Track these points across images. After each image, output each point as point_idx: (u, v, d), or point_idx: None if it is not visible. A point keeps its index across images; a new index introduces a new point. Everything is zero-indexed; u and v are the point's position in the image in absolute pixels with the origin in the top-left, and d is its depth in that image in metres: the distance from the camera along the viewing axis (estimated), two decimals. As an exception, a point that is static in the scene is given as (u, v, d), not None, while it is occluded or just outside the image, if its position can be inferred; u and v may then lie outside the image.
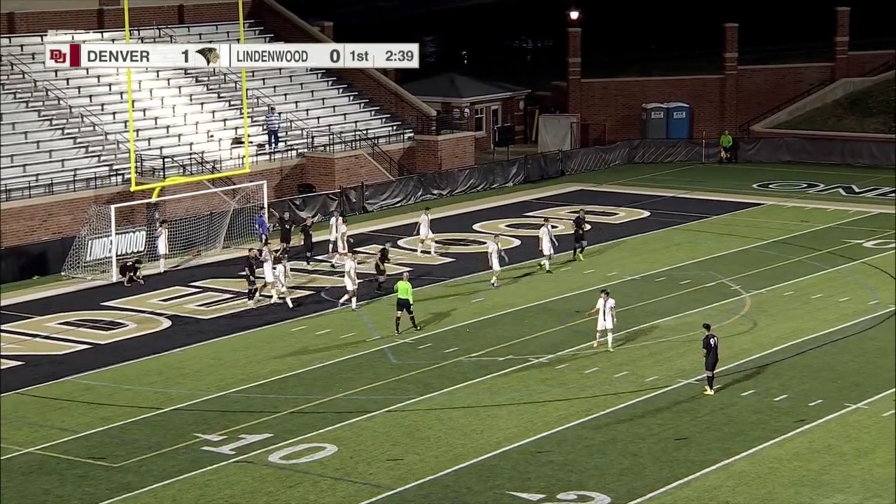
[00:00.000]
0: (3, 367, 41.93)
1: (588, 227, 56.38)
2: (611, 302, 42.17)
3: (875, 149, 78.25)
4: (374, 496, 31.32)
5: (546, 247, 52.95)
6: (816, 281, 51.21)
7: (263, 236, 55.54)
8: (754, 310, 47.29)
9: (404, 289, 44.72)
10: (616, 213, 65.09)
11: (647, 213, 65.15)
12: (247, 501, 31.17)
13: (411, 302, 44.71)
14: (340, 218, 57.02)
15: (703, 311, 46.52)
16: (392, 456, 33.76)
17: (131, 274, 52.36)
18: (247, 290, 49.25)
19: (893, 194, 68.52)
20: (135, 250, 56.29)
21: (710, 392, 37.76)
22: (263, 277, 48.90)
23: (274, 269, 48.62)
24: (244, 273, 49.61)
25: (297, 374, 40.73)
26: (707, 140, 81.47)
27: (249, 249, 50.72)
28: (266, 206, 58.87)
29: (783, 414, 36.38)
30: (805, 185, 72.44)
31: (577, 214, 56.50)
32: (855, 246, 56.95)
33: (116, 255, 54.49)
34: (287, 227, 56.51)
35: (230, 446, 34.46)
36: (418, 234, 56.45)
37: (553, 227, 55.26)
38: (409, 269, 49.74)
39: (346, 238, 55.38)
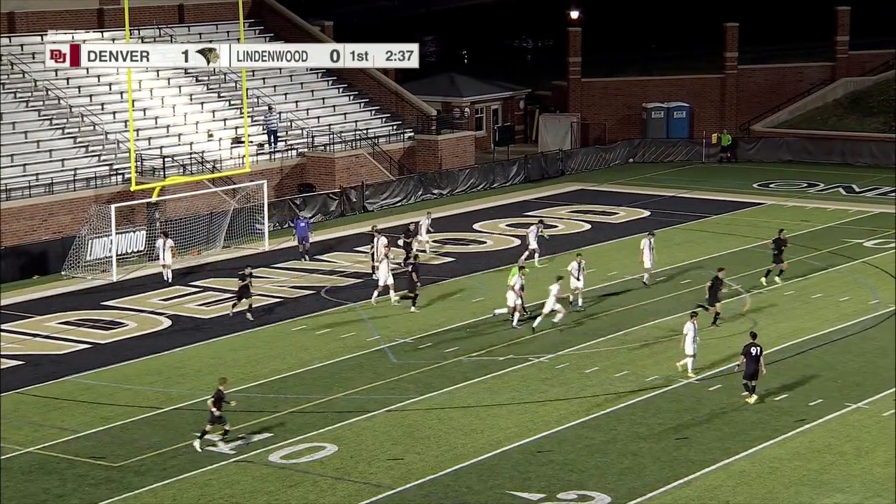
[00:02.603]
0: (3, 366, 41.92)
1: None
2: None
3: (875, 148, 78.27)
4: (374, 496, 31.32)
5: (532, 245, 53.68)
6: (817, 281, 51.20)
7: (304, 241, 55.85)
8: (755, 309, 47.27)
9: (514, 273, 45.76)
10: (616, 213, 65.09)
11: (647, 213, 65.14)
12: (247, 501, 31.16)
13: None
14: (428, 220, 57.12)
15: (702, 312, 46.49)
16: (392, 455, 33.75)
17: (243, 294, 47.50)
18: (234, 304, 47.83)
19: (894, 194, 68.52)
20: (135, 250, 56.32)
21: (751, 400, 37.00)
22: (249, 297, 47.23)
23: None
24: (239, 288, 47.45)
25: (297, 374, 40.73)
26: (707, 140, 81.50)
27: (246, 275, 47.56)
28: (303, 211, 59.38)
29: (783, 414, 36.38)
30: (805, 185, 72.45)
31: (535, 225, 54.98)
32: (855, 245, 56.95)
33: (116, 255, 54.50)
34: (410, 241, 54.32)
35: (230, 446, 34.45)
36: (419, 235, 56.39)
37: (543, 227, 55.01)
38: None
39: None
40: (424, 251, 55.69)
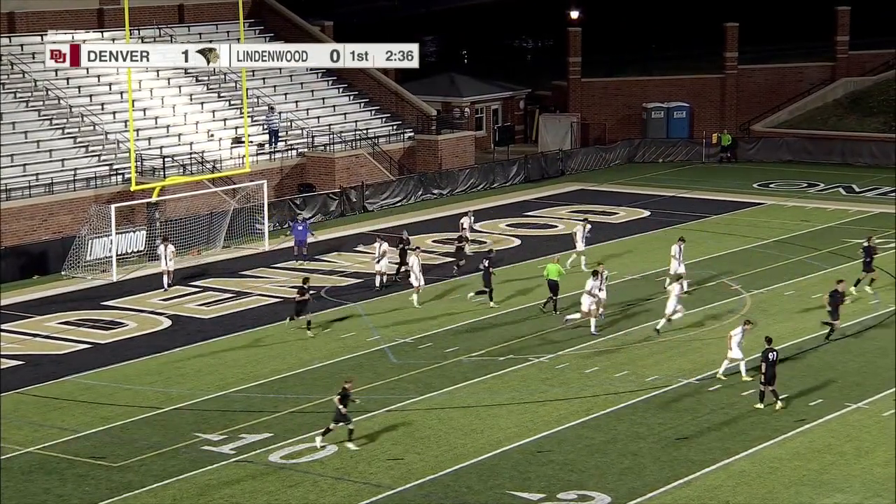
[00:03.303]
0: (3, 366, 41.92)
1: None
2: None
3: (875, 148, 78.29)
4: (374, 496, 31.32)
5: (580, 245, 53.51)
6: (817, 281, 51.18)
7: (301, 245, 55.08)
8: (755, 309, 47.28)
9: (555, 270, 46.11)
10: (616, 213, 65.10)
11: (647, 213, 65.15)
12: (247, 501, 31.16)
13: (558, 284, 46.32)
14: (471, 218, 56.74)
15: (703, 311, 46.51)
16: (392, 455, 33.75)
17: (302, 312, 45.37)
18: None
19: (894, 194, 68.52)
20: (135, 250, 56.32)
21: (759, 406, 36.63)
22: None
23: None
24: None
25: (297, 374, 40.73)
26: (708, 140, 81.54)
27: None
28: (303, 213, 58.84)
29: (783, 414, 36.36)
30: (805, 185, 72.46)
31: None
32: (855, 245, 56.89)
33: (116, 255, 54.50)
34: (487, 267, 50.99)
35: (230, 446, 34.46)
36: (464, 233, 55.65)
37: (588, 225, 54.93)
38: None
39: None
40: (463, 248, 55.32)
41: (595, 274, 44.81)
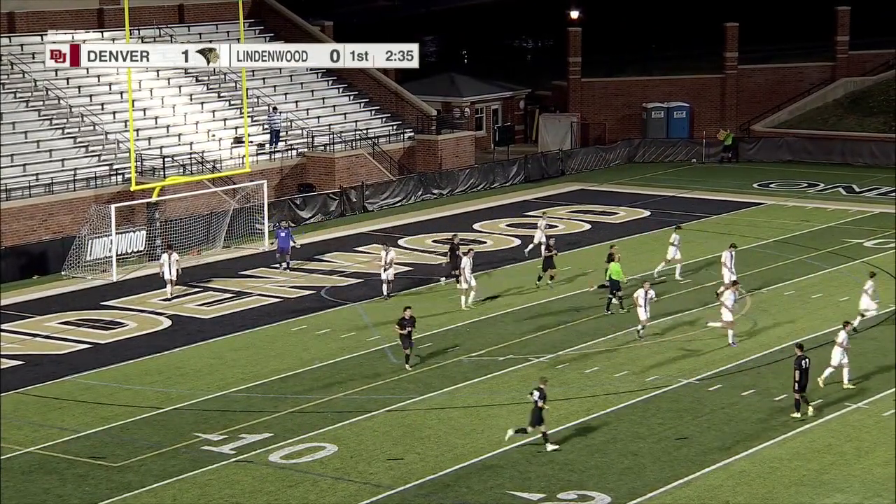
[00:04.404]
0: (3, 366, 41.92)
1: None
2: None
3: (875, 148, 78.28)
4: (374, 496, 31.32)
5: None
6: (817, 281, 51.20)
7: (284, 252, 53.91)
8: (755, 309, 47.29)
9: (616, 270, 46.09)
10: (616, 213, 65.09)
11: (647, 213, 65.15)
12: (247, 501, 31.17)
13: (622, 283, 46.22)
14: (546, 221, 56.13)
15: (703, 311, 46.49)
16: (392, 455, 33.75)
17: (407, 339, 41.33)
18: None
19: (894, 194, 68.52)
20: (135, 250, 56.32)
21: (796, 415, 35.96)
22: None
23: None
24: None
25: (297, 374, 40.73)
26: (707, 140, 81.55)
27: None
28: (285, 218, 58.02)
29: (783, 413, 36.35)
30: (805, 185, 72.46)
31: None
32: (855, 245, 56.95)
33: (116, 255, 54.50)
34: (553, 252, 50.95)
35: (230, 446, 34.46)
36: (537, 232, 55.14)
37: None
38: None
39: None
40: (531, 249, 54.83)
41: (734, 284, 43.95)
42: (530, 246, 55.00)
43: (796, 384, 35.91)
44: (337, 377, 40.22)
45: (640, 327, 43.40)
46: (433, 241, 59.13)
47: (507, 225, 62.62)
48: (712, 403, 37.36)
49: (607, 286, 47.00)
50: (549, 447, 33.63)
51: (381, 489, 31.66)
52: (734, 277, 47.46)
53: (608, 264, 47.32)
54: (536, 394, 33.75)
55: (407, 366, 40.71)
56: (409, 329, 40.62)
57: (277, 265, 54.32)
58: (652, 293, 43.74)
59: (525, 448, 34.10)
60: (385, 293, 49.25)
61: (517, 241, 58.51)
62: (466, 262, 47.76)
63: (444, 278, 50.77)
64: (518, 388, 38.94)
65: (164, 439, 35.07)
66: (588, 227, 62.20)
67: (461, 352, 42.55)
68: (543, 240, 53.67)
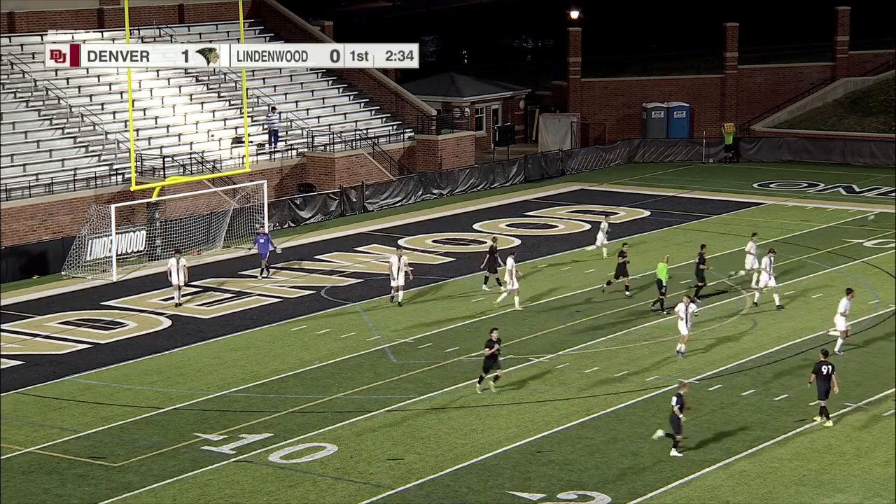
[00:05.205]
0: (3, 366, 41.92)
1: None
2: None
3: (875, 148, 78.28)
4: (374, 496, 31.32)
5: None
6: (817, 280, 51.19)
7: (263, 258, 52.84)
8: (755, 309, 47.26)
9: (663, 270, 46.00)
10: (616, 213, 65.07)
11: (647, 213, 65.15)
12: (247, 501, 31.16)
13: (664, 283, 46.07)
14: (608, 222, 56.15)
15: (703, 311, 46.47)
16: (392, 455, 33.75)
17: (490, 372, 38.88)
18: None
19: (894, 194, 68.52)
20: (135, 250, 56.32)
21: (818, 420, 35.47)
22: None
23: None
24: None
25: (297, 374, 40.73)
26: (707, 140, 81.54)
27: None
28: (267, 224, 57.54)
29: (783, 414, 36.36)
30: (805, 185, 72.46)
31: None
32: (855, 245, 56.96)
33: (116, 255, 54.50)
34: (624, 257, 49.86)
35: (230, 446, 34.46)
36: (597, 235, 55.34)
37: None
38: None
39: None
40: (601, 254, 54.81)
41: (848, 292, 42.66)
42: (591, 247, 55.25)
43: (818, 389, 35.49)
44: (337, 377, 40.23)
45: (681, 346, 41.47)
46: (433, 241, 59.14)
47: (507, 225, 62.61)
48: (712, 403, 37.36)
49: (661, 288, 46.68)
50: (674, 452, 33.40)
51: (381, 489, 31.66)
52: (773, 282, 47.09)
53: (657, 264, 47.22)
54: (674, 399, 33.51)
55: (478, 387, 38.40)
56: (496, 350, 38.11)
57: (258, 273, 52.92)
58: (693, 307, 41.87)
59: (525, 448, 34.12)
60: (396, 301, 48.41)
61: (517, 241, 58.46)
62: (511, 264, 47.41)
63: (484, 285, 50.33)
64: (518, 388, 38.94)
65: (164, 439, 35.07)
66: (588, 227, 62.16)
67: (461, 352, 42.55)
68: (605, 242, 54.48)
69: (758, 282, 47.82)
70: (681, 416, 33.33)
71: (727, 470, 32.58)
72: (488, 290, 49.62)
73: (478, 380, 38.54)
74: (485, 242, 58.24)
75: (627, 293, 48.83)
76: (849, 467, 32.70)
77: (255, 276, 52.76)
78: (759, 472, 32.36)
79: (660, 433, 33.62)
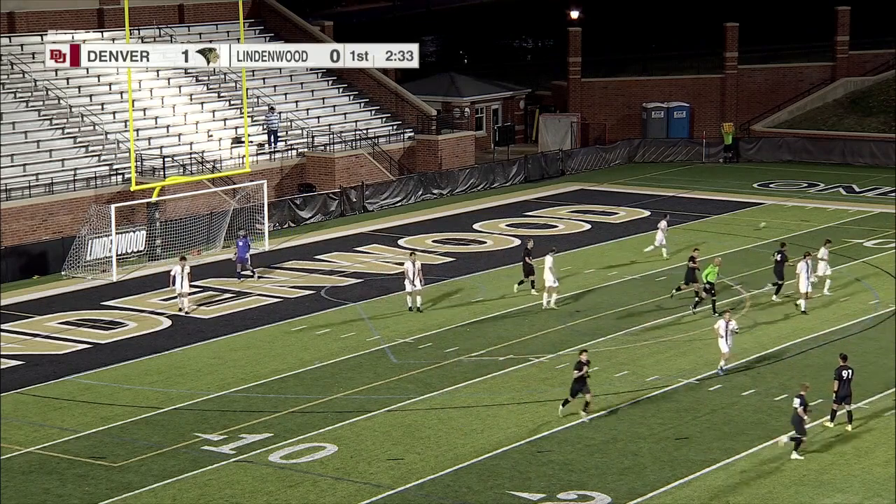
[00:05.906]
0: (3, 366, 41.91)
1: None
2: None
3: (875, 148, 78.28)
4: (374, 496, 31.32)
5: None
6: (817, 281, 51.08)
7: (241, 261, 52.33)
8: (754, 309, 47.27)
9: (713, 272, 45.98)
10: (616, 213, 65.07)
11: (647, 213, 65.12)
12: (247, 501, 31.16)
13: (714, 283, 46.10)
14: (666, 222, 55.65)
15: (703, 311, 46.48)
16: (392, 455, 33.75)
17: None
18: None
19: (894, 194, 68.51)
20: (135, 250, 56.32)
21: (849, 428, 35.14)
22: None
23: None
24: None
25: (297, 374, 40.73)
26: (707, 140, 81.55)
27: None
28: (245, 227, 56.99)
29: (783, 414, 36.27)
30: (805, 185, 72.45)
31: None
32: (856, 245, 56.94)
33: (116, 255, 54.49)
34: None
35: (230, 446, 34.46)
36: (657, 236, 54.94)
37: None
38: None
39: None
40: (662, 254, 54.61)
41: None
42: (650, 247, 55.02)
43: (835, 394, 35.27)
44: (337, 377, 40.22)
45: (722, 362, 40.00)
46: (433, 241, 59.13)
47: (507, 225, 62.60)
48: (712, 403, 37.36)
49: (709, 287, 46.44)
50: (794, 455, 33.16)
51: (381, 489, 31.66)
52: (809, 288, 46.75)
53: (707, 266, 46.75)
54: (797, 401, 33.23)
55: (561, 409, 36.41)
56: (585, 372, 36.04)
57: (237, 277, 52.48)
58: (733, 324, 40.46)
59: (525, 448, 34.11)
60: (417, 305, 47.48)
61: (517, 241, 58.46)
62: (549, 261, 47.24)
63: (516, 285, 50.16)
64: (518, 388, 38.95)
65: (164, 439, 35.07)
66: (588, 227, 62.18)
67: (461, 352, 42.55)
68: (664, 242, 54.32)
69: (826, 287, 47.97)
70: (805, 416, 32.93)
71: (727, 470, 32.57)
72: (517, 292, 49.32)
73: (562, 402, 36.50)
74: (485, 243, 58.27)
75: (696, 298, 46.98)
76: (849, 467, 32.70)
77: (241, 279, 52.14)
78: (758, 472, 32.35)
79: (784, 438, 33.32)
